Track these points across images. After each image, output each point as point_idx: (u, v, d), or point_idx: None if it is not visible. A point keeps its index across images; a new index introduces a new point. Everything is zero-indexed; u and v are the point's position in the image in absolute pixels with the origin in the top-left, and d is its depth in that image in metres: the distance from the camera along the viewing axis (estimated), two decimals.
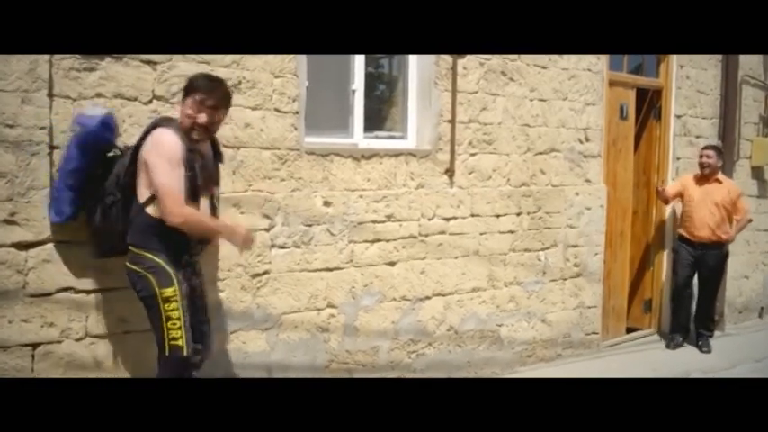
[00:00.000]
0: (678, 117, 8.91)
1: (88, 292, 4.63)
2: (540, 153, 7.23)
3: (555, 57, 7.28)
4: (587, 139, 7.69)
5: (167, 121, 4.36)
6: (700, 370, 7.65)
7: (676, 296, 8.71)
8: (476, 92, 6.66)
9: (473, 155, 6.68)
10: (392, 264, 6.17)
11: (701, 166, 8.45)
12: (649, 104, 8.86)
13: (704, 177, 8.44)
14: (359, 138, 6.10)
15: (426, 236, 6.38)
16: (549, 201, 7.37)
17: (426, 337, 6.47)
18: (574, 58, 7.46)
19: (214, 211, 4.60)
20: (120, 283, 4.68)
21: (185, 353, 4.29)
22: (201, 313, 4.61)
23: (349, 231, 5.86)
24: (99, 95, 4.60)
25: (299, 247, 5.59)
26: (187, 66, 4.93)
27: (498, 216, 6.92)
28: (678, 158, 8.92)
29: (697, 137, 9.15)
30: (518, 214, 7.08)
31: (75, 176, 4.33)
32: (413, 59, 6.43)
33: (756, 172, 10.18)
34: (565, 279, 7.61)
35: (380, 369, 6.15)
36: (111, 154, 4.43)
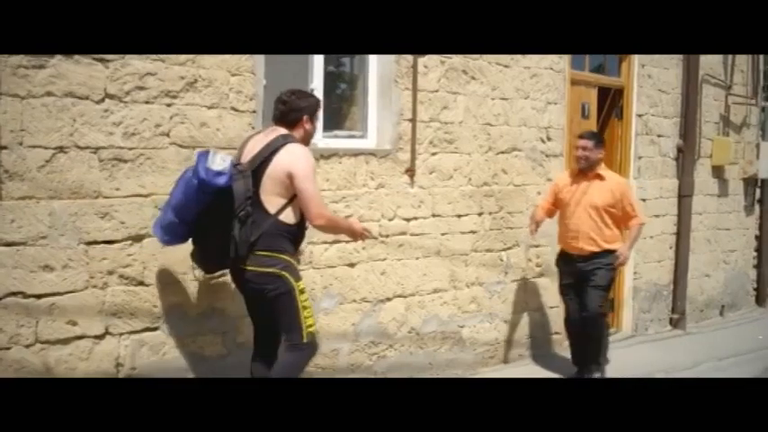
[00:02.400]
0: (640, 116, 8.91)
1: (38, 296, 4.50)
2: (502, 152, 7.18)
3: (517, 55, 7.23)
4: (549, 139, 7.65)
5: (292, 138, 4.79)
6: (663, 370, 7.63)
7: (567, 325, 7.21)
8: (437, 90, 6.60)
9: (434, 154, 6.61)
10: (352, 265, 6.08)
11: (577, 159, 6.91)
12: (611, 103, 8.84)
13: (582, 173, 6.91)
14: (318, 137, 5.96)
15: (387, 236, 6.30)
16: (511, 200, 7.31)
17: (387, 340, 6.39)
18: (536, 56, 7.42)
19: None
20: (71, 286, 4.59)
21: (317, 337, 4.86)
22: None
23: (308, 232, 5.74)
24: (49, 94, 4.47)
25: None
26: (141, 63, 4.82)
27: (460, 216, 6.86)
28: (640, 157, 8.91)
29: (659, 136, 9.16)
30: (480, 214, 7.02)
31: (192, 214, 4.65)
32: (373, 58, 6.34)
33: (717, 171, 10.22)
34: (527, 279, 7.57)
35: (340, 372, 6.06)
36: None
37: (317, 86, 5.99)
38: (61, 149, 4.55)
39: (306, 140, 4.92)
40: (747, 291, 11.26)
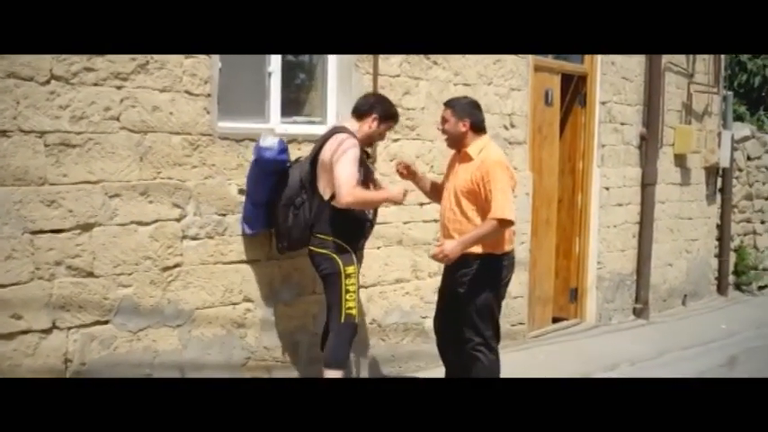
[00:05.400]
0: (603, 103, 8.82)
1: None
2: None
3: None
4: (512, 126, 7.52)
5: (343, 129, 5.26)
6: (628, 360, 7.57)
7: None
8: (398, 75, 6.44)
9: (395, 141, 6.46)
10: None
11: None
12: (574, 90, 8.75)
13: (457, 152, 5.58)
14: (276, 122, 5.82)
15: None
16: None
17: None
18: None
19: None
20: (16, 278, 4.37)
21: (356, 320, 5.27)
22: None
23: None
24: None
25: (212, 237, 5.30)
26: None
27: (422, 204, 6.70)
28: (603, 145, 8.82)
29: (622, 124, 9.09)
30: None
31: (261, 196, 5.33)
32: None
33: (679, 160, 10.17)
34: None
35: (301, 365, 5.90)
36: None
37: (274, 70, 5.81)
38: (4, 133, 4.32)
39: (368, 138, 5.41)
40: (709, 280, 11.26)
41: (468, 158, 5.42)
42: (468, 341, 5.44)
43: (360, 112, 5.36)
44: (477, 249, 5.31)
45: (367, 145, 5.49)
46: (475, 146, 5.42)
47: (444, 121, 5.47)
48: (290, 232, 5.31)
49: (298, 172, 5.32)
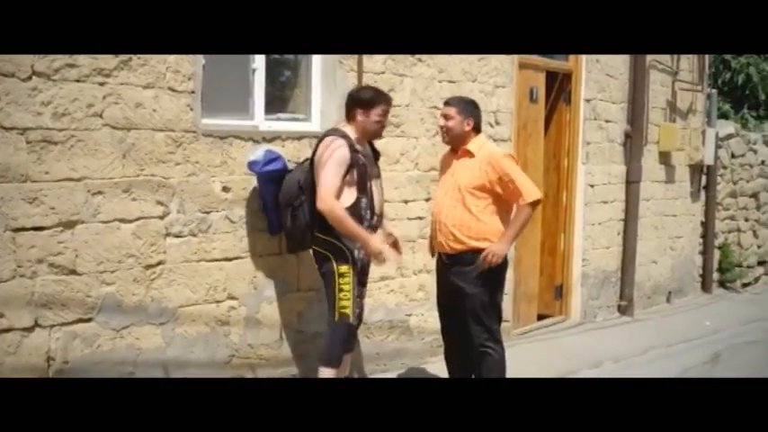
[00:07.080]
0: (588, 101, 8.81)
1: None
2: None
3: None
4: (497, 123, 7.51)
5: (334, 131, 5.24)
6: (612, 357, 7.58)
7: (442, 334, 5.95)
8: (383, 72, 6.42)
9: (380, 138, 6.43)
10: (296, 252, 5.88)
11: (439, 131, 5.73)
12: (559, 88, 8.74)
13: (453, 151, 5.65)
14: (260, 119, 5.80)
15: None
16: None
17: None
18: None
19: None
20: (0, 275, 4.34)
21: (351, 319, 5.25)
22: (364, 286, 5.48)
23: (250, 218, 5.55)
24: None
25: (195, 235, 5.28)
26: None
27: (406, 202, 6.71)
28: (588, 143, 8.82)
29: (607, 121, 9.09)
30: (427, 200, 6.86)
31: (268, 200, 5.47)
32: None
33: (664, 157, 10.19)
34: None
35: (285, 363, 5.89)
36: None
37: (258, 67, 5.78)
38: None
39: (366, 133, 5.34)
40: (693, 277, 11.28)
41: (468, 155, 5.49)
42: (476, 337, 5.51)
43: (346, 112, 5.36)
44: (479, 245, 5.39)
45: (371, 139, 5.45)
46: (474, 143, 5.51)
47: (448, 117, 5.49)
48: (292, 234, 5.40)
49: (298, 174, 5.37)
